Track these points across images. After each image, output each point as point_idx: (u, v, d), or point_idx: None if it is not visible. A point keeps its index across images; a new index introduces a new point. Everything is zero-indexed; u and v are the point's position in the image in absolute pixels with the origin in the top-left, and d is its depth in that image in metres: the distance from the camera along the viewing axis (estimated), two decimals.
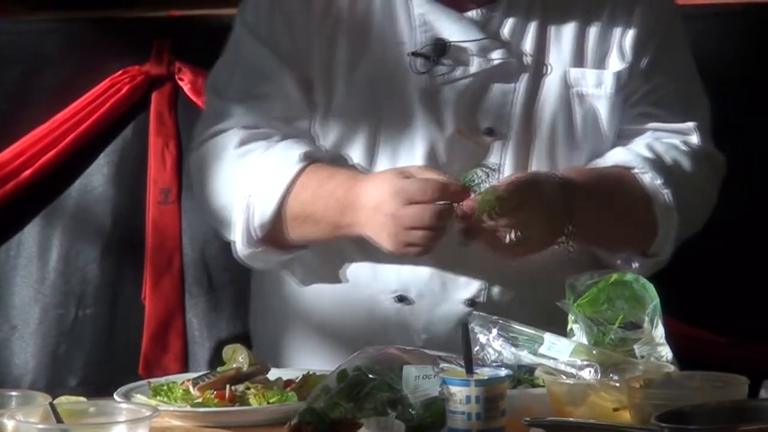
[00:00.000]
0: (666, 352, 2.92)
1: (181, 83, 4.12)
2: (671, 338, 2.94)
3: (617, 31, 3.30)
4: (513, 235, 3.11)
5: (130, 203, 4.14)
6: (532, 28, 3.27)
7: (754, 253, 4.11)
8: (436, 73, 3.23)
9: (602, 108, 3.29)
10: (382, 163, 3.25)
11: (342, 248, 3.27)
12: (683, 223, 3.27)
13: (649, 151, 3.29)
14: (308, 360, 3.27)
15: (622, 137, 3.33)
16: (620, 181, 3.25)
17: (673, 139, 3.34)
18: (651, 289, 2.95)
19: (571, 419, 2.78)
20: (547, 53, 3.27)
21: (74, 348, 4.10)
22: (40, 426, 2.66)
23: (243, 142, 3.24)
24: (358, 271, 3.26)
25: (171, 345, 4.10)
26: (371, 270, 3.27)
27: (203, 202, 3.35)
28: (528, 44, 3.26)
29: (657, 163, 3.27)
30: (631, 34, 3.30)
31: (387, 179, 3.11)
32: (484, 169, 3.11)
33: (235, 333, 4.01)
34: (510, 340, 2.94)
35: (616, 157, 3.27)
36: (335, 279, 3.29)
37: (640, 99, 3.33)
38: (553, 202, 3.14)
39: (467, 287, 3.28)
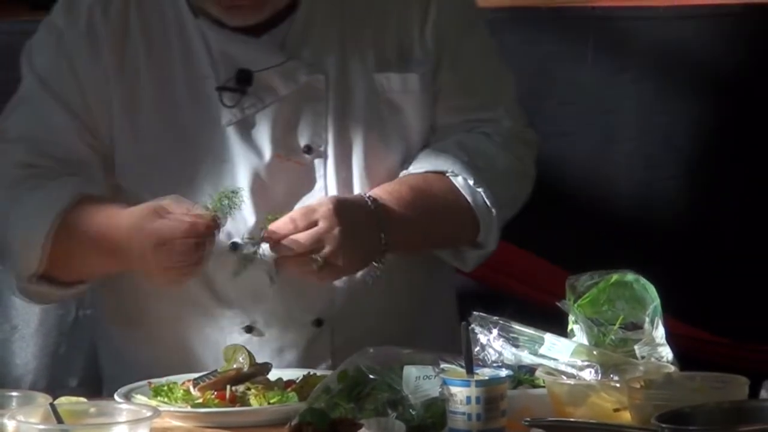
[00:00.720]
0: (666, 352, 2.92)
1: None
2: (672, 339, 2.94)
3: (416, 29, 3.30)
4: (314, 265, 3.11)
5: None
6: (332, 41, 3.26)
7: (754, 254, 4.12)
8: (245, 105, 3.22)
9: (411, 109, 3.30)
10: (202, 187, 3.23)
11: (188, 286, 3.22)
12: (504, 209, 3.29)
13: (460, 149, 3.29)
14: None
15: (438, 131, 3.34)
16: (433, 189, 3.25)
17: (484, 128, 3.35)
18: (651, 289, 2.95)
19: (571, 420, 2.77)
20: (351, 63, 3.27)
21: (74, 348, 4.09)
22: (41, 426, 2.66)
23: (17, 181, 3.20)
24: (207, 306, 3.23)
25: None
26: (217, 304, 3.26)
27: None
28: (331, 57, 3.26)
29: (468, 164, 3.27)
30: (429, 29, 3.30)
31: (139, 219, 3.07)
32: (227, 193, 3.08)
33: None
34: (510, 340, 2.93)
35: (428, 162, 3.27)
36: (184, 316, 3.28)
37: (449, 92, 3.33)
38: (362, 226, 3.15)
39: (312, 308, 3.27)
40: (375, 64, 3.29)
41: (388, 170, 3.28)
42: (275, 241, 3.11)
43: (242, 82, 3.22)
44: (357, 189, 3.27)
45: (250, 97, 3.23)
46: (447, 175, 3.26)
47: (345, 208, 3.13)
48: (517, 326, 2.94)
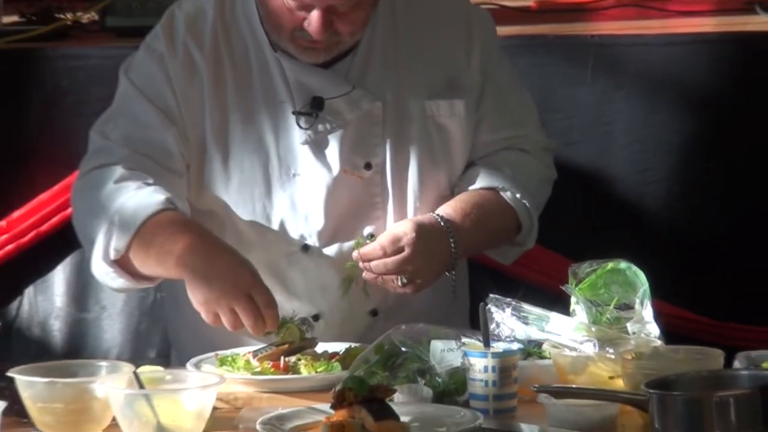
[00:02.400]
0: (654, 329, 2.93)
1: None
2: (658, 317, 2.96)
3: (462, 60, 3.30)
4: (399, 282, 3.16)
5: None
6: (389, 72, 3.26)
7: (730, 246, 4.10)
8: (317, 127, 3.23)
9: (456, 131, 3.30)
10: (281, 205, 3.24)
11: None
12: (538, 211, 3.34)
13: (507, 167, 3.32)
14: None
15: (481, 147, 3.35)
16: (488, 203, 3.27)
17: (521, 144, 3.37)
18: (641, 275, 2.96)
19: (573, 386, 2.79)
20: (405, 92, 3.27)
21: (153, 326, 4.10)
22: (126, 391, 2.67)
23: (121, 179, 3.18)
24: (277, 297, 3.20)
25: None
26: (287, 297, 3.26)
27: (76, 222, 3.29)
28: (388, 87, 3.26)
29: (514, 179, 3.29)
30: (475, 61, 3.31)
31: (249, 267, 3.03)
32: (362, 238, 3.17)
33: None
34: (521, 318, 2.95)
35: (482, 180, 3.29)
36: None
37: (491, 115, 3.34)
38: (438, 246, 3.18)
39: (369, 301, 3.28)
40: (426, 93, 3.29)
41: (436, 183, 3.30)
42: (365, 263, 3.15)
43: (315, 107, 3.22)
44: (410, 199, 3.27)
45: (322, 120, 3.23)
46: (498, 190, 3.28)
47: (425, 233, 3.16)
48: (526, 306, 2.97)
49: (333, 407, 2.65)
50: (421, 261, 3.14)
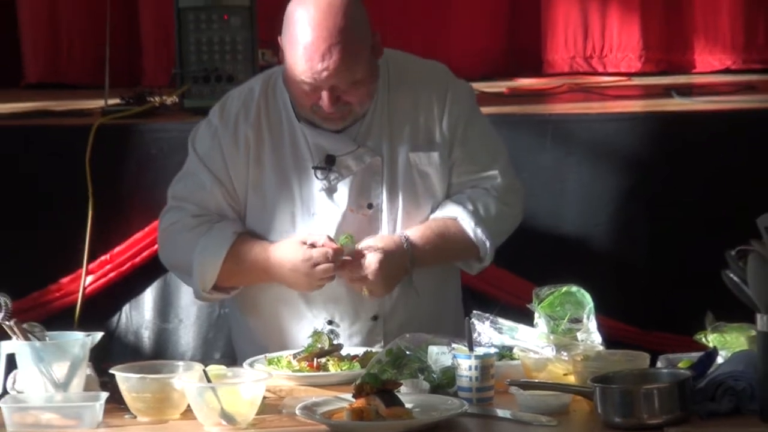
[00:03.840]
0: (597, 337, 2.91)
1: None
2: (600, 328, 2.93)
3: (436, 121, 3.24)
4: (365, 291, 3.12)
5: None
6: (384, 134, 3.22)
7: (656, 271, 4.10)
8: (331, 177, 3.20)
9: (435, 176, 3.24)
10: (303, 231, 3.19)
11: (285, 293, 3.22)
12: (495, 239, 3.25)
13: (469, 202, 3.24)
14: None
15: (453, 187, 3.27)
16: (448, 229, 3.21)
17: (485, 184, 3.26)
18: (587, 296, 2.93)
19: (536, 380, 2.77)
20: (396, 147, 3.22)
21: (218, 334, 4.08)
22: (197, 384, 2.67)
23: (193, 227, 3.19)
24: (299, 307, 3.20)
25: None
26: (307, 306, 3.21)
27: (168, 265, 3.32)
28: (385, 146, 3.22)
29: (472, 212, 3.22)
30: (445, 121, 3.23)
31: (295, 249, 3.09)
32: (347, 236, 3.12)
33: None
34: (497, 329, 2.93)
35: (446, 211, 3.23)
36: (280, 312, 3.24)
37: (460, 162, 3.25)
38: (395, 268, 3.12)
39: (371, 308, 3.22)
40: (411, 147, 3.23)
41: (420, 216, 3.23)
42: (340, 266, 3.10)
43: (329, 162, 3.19)
44: (399, 230, 3.21)
45: (334, 172, 3.20)
46: (457, 220, 3.23)
47: (387, 263, 3.10)
48: (501, 320, 2.94)
49: (354, 397, 2.64)
50: (379, 283, 3.10)
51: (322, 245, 3.09)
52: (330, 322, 3.19)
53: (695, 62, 5.24)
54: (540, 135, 4.11)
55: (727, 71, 5.18)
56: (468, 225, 3.21)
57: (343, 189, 3.20)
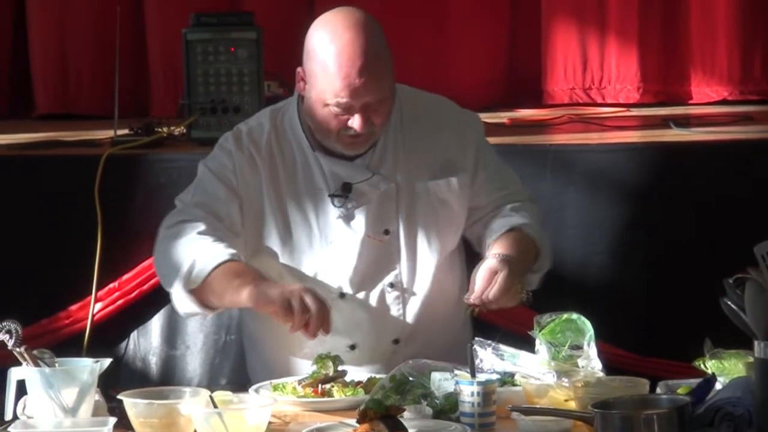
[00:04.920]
0: (597, 364, 2.90)
1: None
2: (601, 355, 2.93)
3: (454, 149, 3.27)
4: (524, 295, 3.11)
5: None
6: (400, 162, 3.24)
7: (653, 301, 4.09)
8: (347, 205, 3.20)
9: (453, 201, 3.26)
10: (323, 263, 3.20)
11: None
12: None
13: (514, 212, 3.25)
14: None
15: (481, 208, 3.29)
16: (523, 238, 3.21)
17: (515, 197, 3.30)
18: (588, 323, 2.93)
19: (537, 406, 2.77)
20: (412, 175, 3.24)
21: (224, 360, 4.06)
22: (204, 410, 2.68)
23: (203, 232, 3.16)
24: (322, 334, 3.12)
25: None
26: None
27: (157, 260, 3.25)
28: (400, 173, 3.23)
29: (524, 218, 3.24)
30: (464, 148, 3.27)
31: (294, 288, 3.00)
32: (329, 357, 3.04)
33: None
34: (499, 355, 2.93)
35: (502, 226, 3.22)
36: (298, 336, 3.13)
37: (488, 183, 3.29)
38: (512, 276, 3.09)
39: (392, 333, 3.23)
40: (428, 175, 3.25)
41: (439, 241, 3.24)
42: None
43: (345, 190, 3.20)
44: (419, 254, 3.23)
45: (350, 200, 3.20)
46: (519, 228, 3.21)
47: (508, 264, 3.06)
48: (503, 347, 2.94)
49: (358, 422, 2.63)
50: (507, 290, 3.06)
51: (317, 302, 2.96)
52: (352, 347, 3.18)
53: (692, 93, 5.25)
54: (540, 165, 4.11)
55: (723, 102, 5.18)
56: (529, 230, 3.21)
57: (360, 216, 3.20)
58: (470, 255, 3.37)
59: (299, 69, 3.18)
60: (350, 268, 3.21)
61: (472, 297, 3.06)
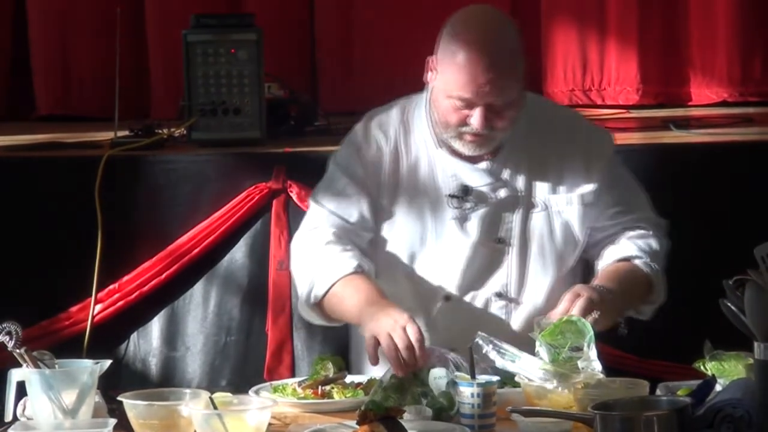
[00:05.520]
0: (597, 365, 2.88)
1: (291, 194, 4.08)
2: (600, 356, 2.91)
3: (580, 166, 3.22)
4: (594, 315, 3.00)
5: (259, 270, 4.10)
6: (523, 172, 3.20)
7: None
8: (464, 207, 3.17)
9: (574, 219, 3.21)
10: (432, 264, 3.17)
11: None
12: (664, 274, 3.23)
13: (634, 243, 3.22)
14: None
15: (604, 229, 3.25)
16: (631, 271, 3.18)
17: (640, 223, 3.26)
18: (588, 326, 2.92)
19: (537, 408, 2.76)
20: (534, 186, 3.20)
21: (224, 362, 4.07)
22: (204, 411, 2.67)
23: (329, 242, 3.17)
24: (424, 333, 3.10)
25: (284, 360, 4.05)
26: (432, 333, 3.14)
27: (293, 272, 3.26)
28: (521, 182, 3.20)
29: (641, 248, 3.20)
30: (592, 167, 3.22)
31: (402, 310, 2.97)
32: (329, 359, 3.06)
33: (324, 352, 3.95)
34: (500, 354, 2.91)
35: (619, 253, 3.19)
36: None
37: (613, 205, 3.24)
38: (599, 304, 3.03)
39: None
40: (549, 188, 3.20)
41: (555, 258, 3.20)
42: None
43: (464, 192, 3.17)
44: (531, 271, 3.20)
45: (468, 202, 3.17)
46: (633, 261, 3.18)
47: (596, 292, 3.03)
48: (505, 345, 2.92)
49: (358, 423, 2.62)
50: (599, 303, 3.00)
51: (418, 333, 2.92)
52: (452, 350, 3.08)
53: (692, 95, 5.24)
54: None
55: (723, 104, 5.18)
56: (641, 263, 3.17)
57: (474, 220, 3.17)
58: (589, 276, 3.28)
59: (429, 58, 3.16)
60: (458, 272, 3.17)
61: (547, 316, 2.99)
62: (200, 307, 4.10)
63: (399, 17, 5.21)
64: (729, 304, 2.62)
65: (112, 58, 4.36)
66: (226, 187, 4.12)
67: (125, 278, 4.10)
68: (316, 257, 3.16)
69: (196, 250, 4.07)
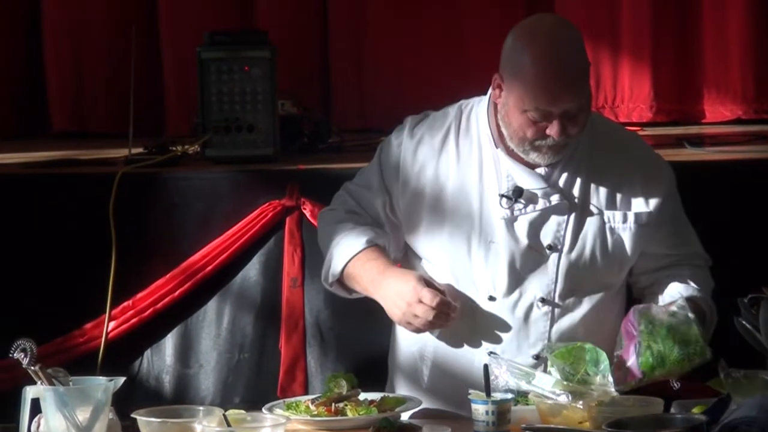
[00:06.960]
0: (612, 386, 2.90)
1: (304, 211, 4.08)
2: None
3: (639, 189, 3.20)
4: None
5: (272, 287, 4.10)
6: (579, 182, 3.18)
7: None
8: (515, 208, 3.15)
9: (627, 237, 3.18)
10: (477, 264, 3.15)
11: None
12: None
13: (695, 283, 3.21)
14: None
15: (654, 257, 3.24)
16: (701, 312, 3.13)
17: (695, 259, 3.27)
18: (603, 354, 2.93)
19: (551, 426, 2.77)
20: (589, 198, 3.18)
21: (237, 379, 4.06)
22: (217, 429, 2.67)
23: (340, 220, 3.23)
24: (461, 335, 3.15)
25: (297, 377, 4.05)
26: (474, 335, 3.16)
27: (320, 243, 3.33)
28: (576, 191, 3.17)
29: (702, 296, 3.19)
30: (651, 194, 3.20)
31: (410, 278, 3.07)
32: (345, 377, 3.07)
33: (337, 369, 3.95)
34: (514, 374, 2.92)
35: (686, 291, 3.17)
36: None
37: (671, 236, 3.24)
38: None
39: (534, 348, 3.15)
40: (605, 202, 3.18)
41: (604, 272, 3.18)
42: None
43: (516, 194, 3.14)
44: (578, 281, 3.16)
45: (519, 204, 3.14)
46: (696, 300, 3.15)
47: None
48: (518, 364, 2.94)
49: None
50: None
51: (438, 289, 3.03)
52: (491, 353, 3.10)
53: (706, 112, 5.24)
54: None
55: (738, 121, 5.17)
56: (704, 305, 3.14)
57: (524, 223, 3.15)
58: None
59: (496, 75, 3.14)
60: (504, 274, 3.15)
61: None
62: (214, 324, 4.10)
63: (412, 36, 5.22)
64: (744, 322, 2.62)
65: (127, 75, 4.38)
66: (239, 204, 4.12)
67: (139, 295, 4.10)
68: (330, 235, 3.22)
69: (210, 267, 4.07)
